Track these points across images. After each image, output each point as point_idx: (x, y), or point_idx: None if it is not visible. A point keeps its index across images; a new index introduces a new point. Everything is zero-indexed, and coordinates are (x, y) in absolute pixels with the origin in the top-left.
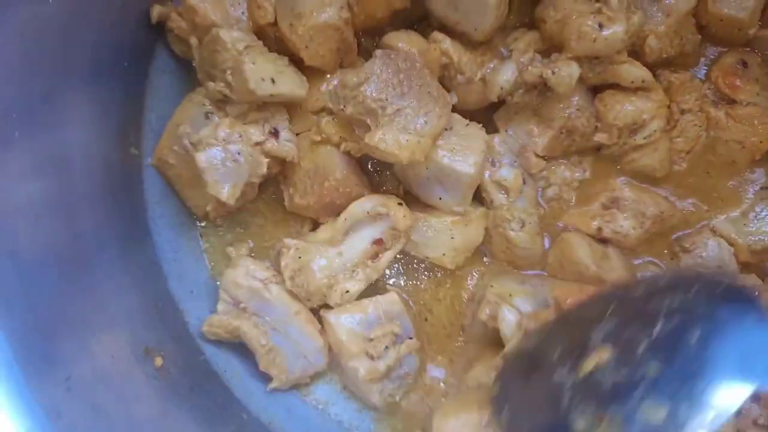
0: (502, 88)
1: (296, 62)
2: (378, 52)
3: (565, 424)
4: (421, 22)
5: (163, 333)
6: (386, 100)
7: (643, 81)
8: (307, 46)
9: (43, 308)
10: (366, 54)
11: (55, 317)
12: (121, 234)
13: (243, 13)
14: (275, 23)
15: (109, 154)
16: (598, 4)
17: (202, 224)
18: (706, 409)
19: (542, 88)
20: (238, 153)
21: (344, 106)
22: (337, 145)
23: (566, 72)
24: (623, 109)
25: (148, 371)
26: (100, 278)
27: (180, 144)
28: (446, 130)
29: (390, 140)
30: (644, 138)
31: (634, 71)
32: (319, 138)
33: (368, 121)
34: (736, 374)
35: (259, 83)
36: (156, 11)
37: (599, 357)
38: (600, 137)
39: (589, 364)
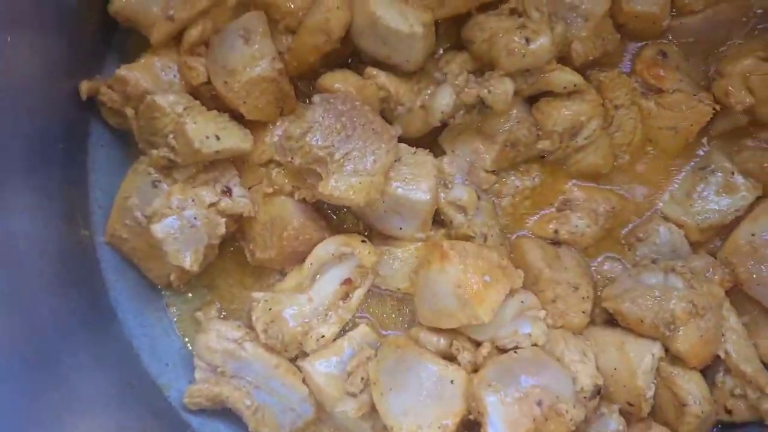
0: (442, 113)
1: (236, 117)
2: (316, 98)
3: None
4: (353, 58)
5: (143, 412)
6: (333, 146)
7: (575, 85)
8: (244, 101)
9: (7, 410)
10: (304, 97)
11: (22, 418)
12: (83, 319)
13: (175, 76)
14: (209, 82)
15: (59, 240)
16: (521, 19)
17: (167, 294)
18: None
19: (481, 107)
20: (194, 218)
21: (292, 158)
22: (291, 195)
23: (501, 89)
24: (560, 114)
25: None
26: (67, 369)
27: (131, 217)
28: (395, 161)
29: (343, 186)
30: (585, 138)
31: (565, 77)
32: (271, 190)
33: (318, 169)
34: None
35: (204, 141)
36: (85, 87)
37: None
38: (543, 144)
39: None
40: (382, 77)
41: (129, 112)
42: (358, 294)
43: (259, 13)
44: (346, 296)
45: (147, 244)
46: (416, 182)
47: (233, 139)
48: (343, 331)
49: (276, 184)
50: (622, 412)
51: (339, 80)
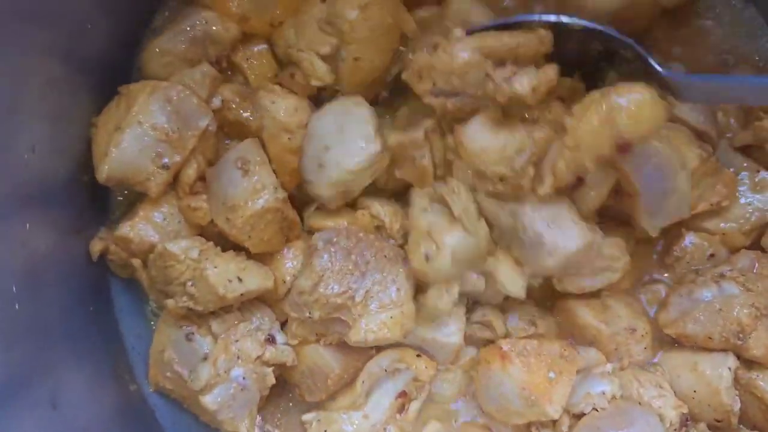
0: None
1: (248, 252)
2: (319, 243)
3: None
4: None
5: None
6: (350, 288)
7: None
8: (249, 236)
9: None
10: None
11: None
12: None
13: (179, 222)
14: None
15: (116, 401)
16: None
17: None
18: None
19: None
20: (243, 377)
21: (310, 313)
22: (318, 342)
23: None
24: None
25: None
26: None
27: (171, 370)
28: None
29: (376, 327)
30: None
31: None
32: (296, 342)
33: (342, 317)
34: None
35: (228, 286)
36: (96, 248)
37: None
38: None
39: None
40: (376, 206)
41: (136, 262)
42: (414, 406)
43: (253, 140)
44: (402, 408)
45: (193, 393)
46: (444, 324)
47: (255, 278)
48: None
49: (298, 336)
50: (710, 427)
51: (330, 217)
